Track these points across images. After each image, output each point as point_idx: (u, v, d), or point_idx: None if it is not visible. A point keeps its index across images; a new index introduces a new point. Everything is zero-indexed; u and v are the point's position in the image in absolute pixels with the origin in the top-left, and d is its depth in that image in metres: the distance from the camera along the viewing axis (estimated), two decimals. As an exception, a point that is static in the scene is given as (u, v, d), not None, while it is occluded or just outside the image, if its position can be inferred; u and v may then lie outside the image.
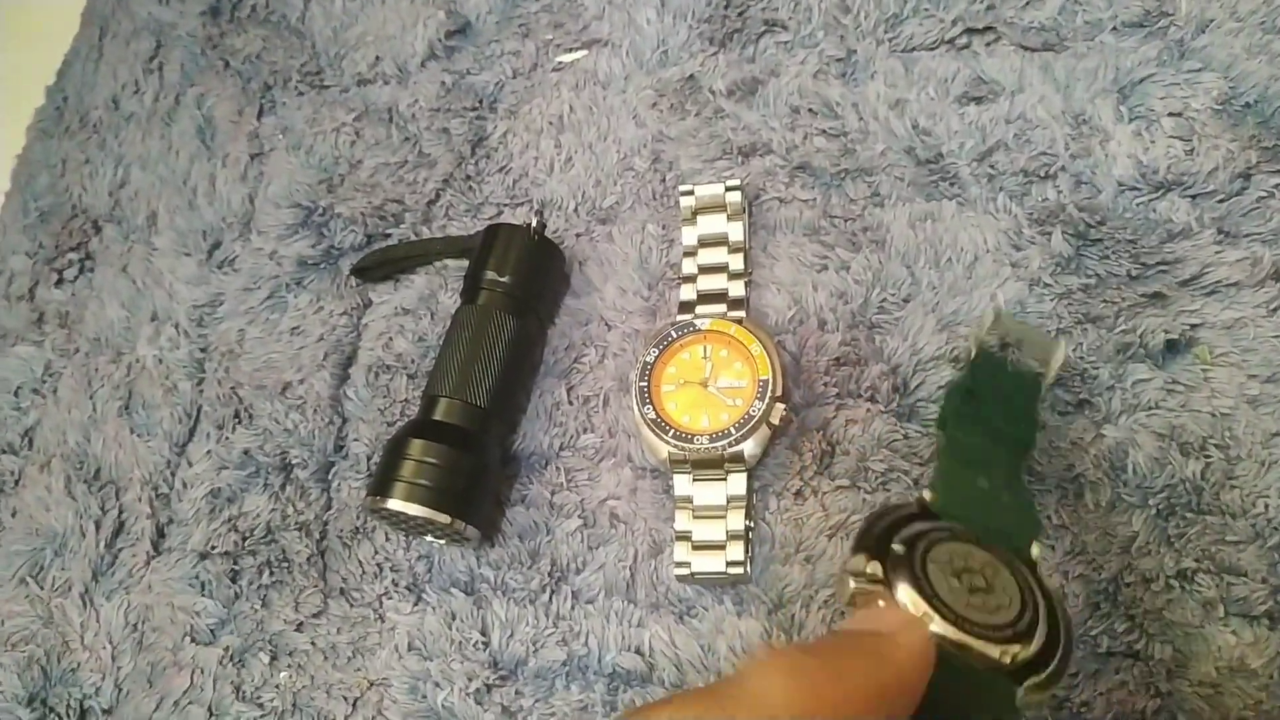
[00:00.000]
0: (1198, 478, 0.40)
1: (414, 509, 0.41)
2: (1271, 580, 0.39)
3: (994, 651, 0.25)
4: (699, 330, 0.44)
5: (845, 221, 0.47)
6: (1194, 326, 0.42)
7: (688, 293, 0.46)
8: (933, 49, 0.50)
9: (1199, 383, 0.42)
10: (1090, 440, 0.41)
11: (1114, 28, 0.48)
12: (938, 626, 0.25)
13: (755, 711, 0.20)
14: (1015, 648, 0.26)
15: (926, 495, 0.30)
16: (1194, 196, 0.44)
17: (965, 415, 0.35)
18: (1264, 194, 0.44)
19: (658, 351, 0.44)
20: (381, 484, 0.42)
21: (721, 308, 0.45)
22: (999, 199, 0.46)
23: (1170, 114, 0.46)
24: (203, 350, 0.52)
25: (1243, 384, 0.41)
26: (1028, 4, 0.49)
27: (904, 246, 0.46)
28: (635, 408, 0.43)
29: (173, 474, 0.50)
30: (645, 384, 0.44)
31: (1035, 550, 0.29)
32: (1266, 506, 0.39)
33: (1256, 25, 0.47)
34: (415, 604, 0.45)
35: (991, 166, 0.47)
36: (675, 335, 0.44)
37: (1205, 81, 0.46)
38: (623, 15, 0.54)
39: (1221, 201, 0.44)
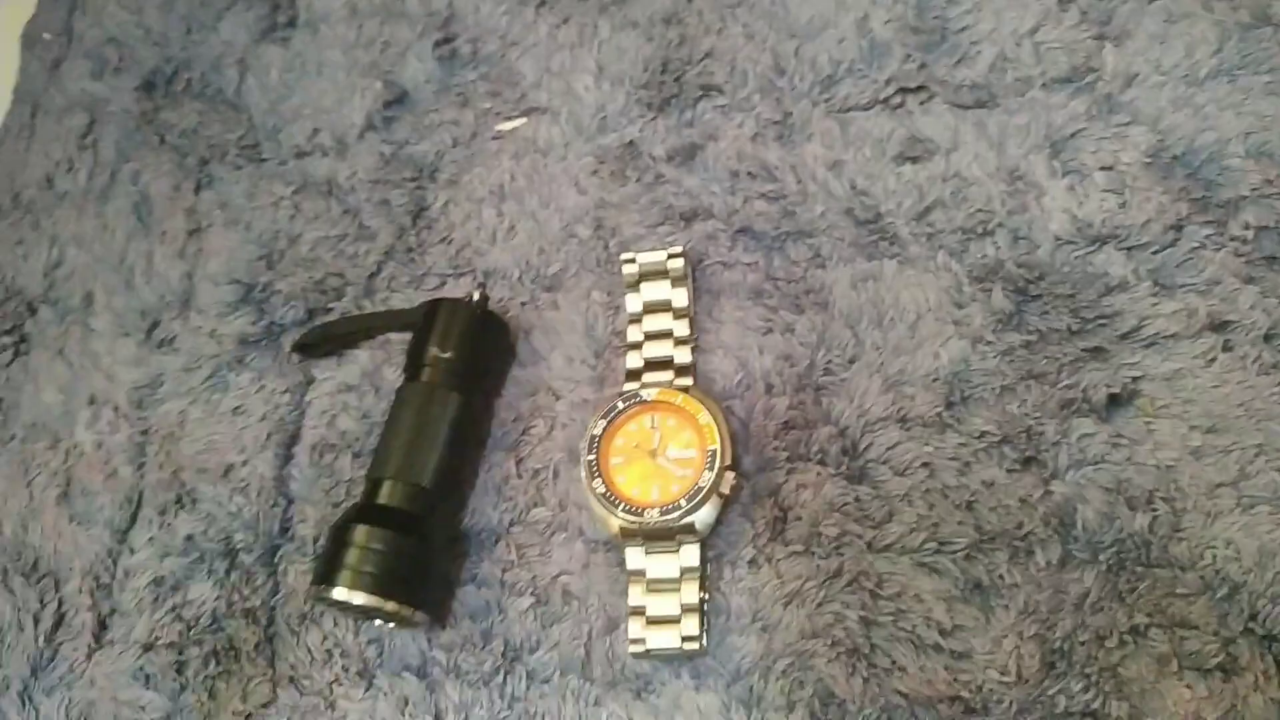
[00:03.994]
0: (1146, 531, 0.40)
1: (359, 597, 0.40)
2: (1223, 633, 0.39)
3: None
4: (646, 401, 0.44)
5: (788, 284, 0.47)
6: (1135, 379, 0.43)
7: (634, 360, 0.46)
8: (868, 109, 0.51)
9: (1143, 436, 0.42)
10: (1039, 497, 0.42)
11: (1043, 84, 0.49)
12: None
13: None
14: None
15: None
16: (1129, 249, 0.45)
17: None
18: (1196, 245, 0.45)
19: (605, 424, 0.44)
20: (326, 572, 0.41)
21: (669, 374, 0.45)
22: (938, 257, 0.47)
23: (1102, 168, 0.47)
24: (143, 433, 0.51)
25: (1185, 435, 0.42)
26: (959, 62, 0.50)
27: (847, 307, 0.46)
28: (584, 481, 0.43)
29: (114, 563, 0.49)
30: (594, 457, 0.43)
31: None
32: (1214, 558, 0.40)
33: (1180, 79, 0.48)
34: (366, 690, 0.44)
35: (930, 225, 0.47)
36: (622, 406, 0.44)
37: (1134, 135, 0.47)
38: (561, 83, 0.54)
39: (1156, 253, 0.45)
